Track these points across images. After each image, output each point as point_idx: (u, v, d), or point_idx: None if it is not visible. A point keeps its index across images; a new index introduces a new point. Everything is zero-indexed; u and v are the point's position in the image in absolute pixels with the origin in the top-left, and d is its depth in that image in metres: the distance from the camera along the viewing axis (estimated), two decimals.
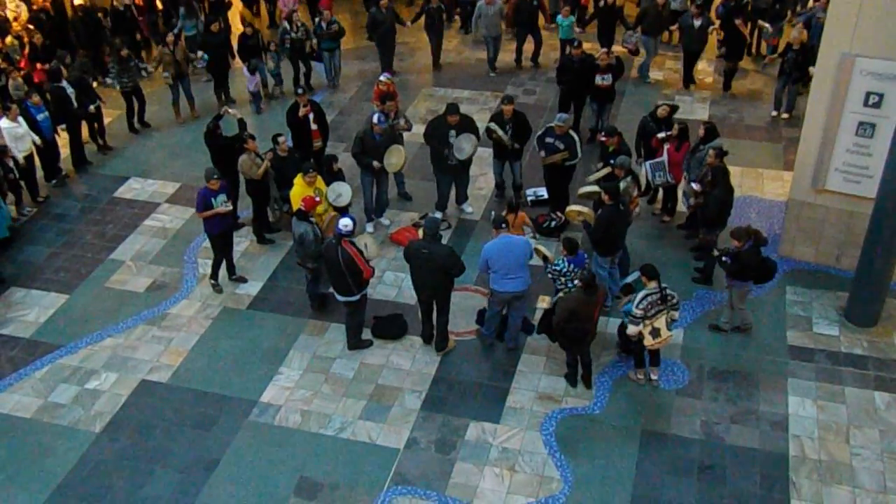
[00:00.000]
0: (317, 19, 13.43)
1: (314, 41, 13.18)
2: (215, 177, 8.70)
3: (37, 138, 10.61)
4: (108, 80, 13.66)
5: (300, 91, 10.43)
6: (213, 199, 8.69)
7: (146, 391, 7.99)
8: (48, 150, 11.05)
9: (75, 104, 11.32)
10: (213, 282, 9.25)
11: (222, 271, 9.27)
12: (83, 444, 7.45)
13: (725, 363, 8.08)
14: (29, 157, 10.63)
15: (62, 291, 9.36)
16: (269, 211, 10.05)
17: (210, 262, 9.27)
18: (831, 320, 8.52)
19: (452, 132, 9.69)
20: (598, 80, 11.24)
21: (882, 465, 7.00)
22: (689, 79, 13.26)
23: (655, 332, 7.36)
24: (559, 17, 13.58)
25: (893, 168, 7.60)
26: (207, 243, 9.30)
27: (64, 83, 11.29)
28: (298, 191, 8.83)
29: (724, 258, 7.91)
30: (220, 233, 8.97)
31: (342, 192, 9.22)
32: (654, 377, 7.82)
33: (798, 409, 7.54)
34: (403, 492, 6.93)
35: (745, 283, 8.06)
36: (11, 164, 10.32)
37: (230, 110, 10.36)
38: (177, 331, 8.72)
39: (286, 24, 13.22)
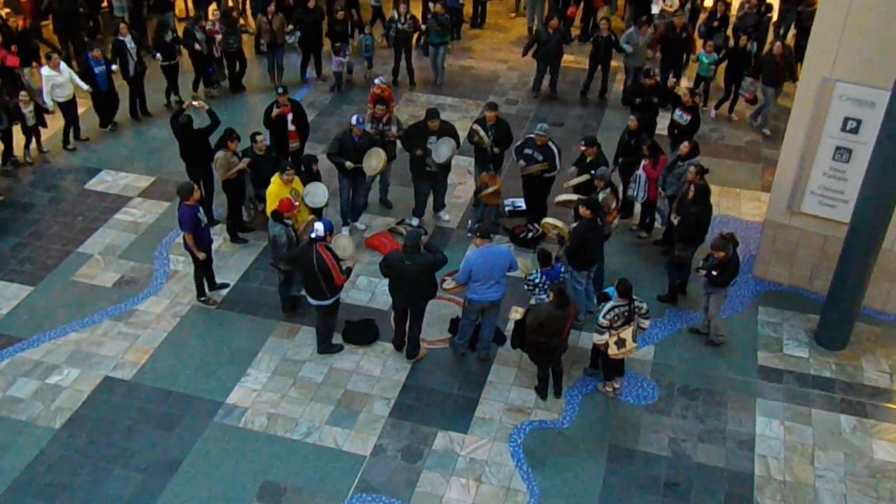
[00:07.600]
0: (429, 13, 13.47)
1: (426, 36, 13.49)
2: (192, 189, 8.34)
3: (84, 85, 11.46)
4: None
5: (280, 90, 10.29)
6: (198, 213, 8.38)
7: (109, 388, 7.83)
8: (106, 99, 11.99)
9: (134, 59, 12.05)
10: (203, 299, 8.84)
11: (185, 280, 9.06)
12: (41, 440, 7.27)
13: (695, 381, 8.09)
14: (71, 103, 11.47)
15: (27, 283, 9.15)
16: (243, 209, 9.92)
17: (182, 260, 9.08)
18: (801, 342, 8.58)
19: (432, 138, 9.64)
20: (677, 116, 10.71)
21: (844, 488, 7.05)
22: None
23: (621, 343, 7.38)
24: (701, 54, 12.95)
25: (868, 194, 7.69)
26: (180, 239, 9.13)
27: (127, 38, 11.96)
28: (275, 190, 8.72)
29: (713, 272, 7.97)
30: (209, 248, 8.64)
31: (316, 192, 9.11)
32: (616, 385, 7.85)
33: (765, 430, 7.58)
34: (368, 499, 6.85)
35: (724, 289, 8.18)
36: (31, 109, 10.88)
37: (195, 103, 10.09)
38: (144, 328, 8.56)
39: (395, 13, 13.34)
